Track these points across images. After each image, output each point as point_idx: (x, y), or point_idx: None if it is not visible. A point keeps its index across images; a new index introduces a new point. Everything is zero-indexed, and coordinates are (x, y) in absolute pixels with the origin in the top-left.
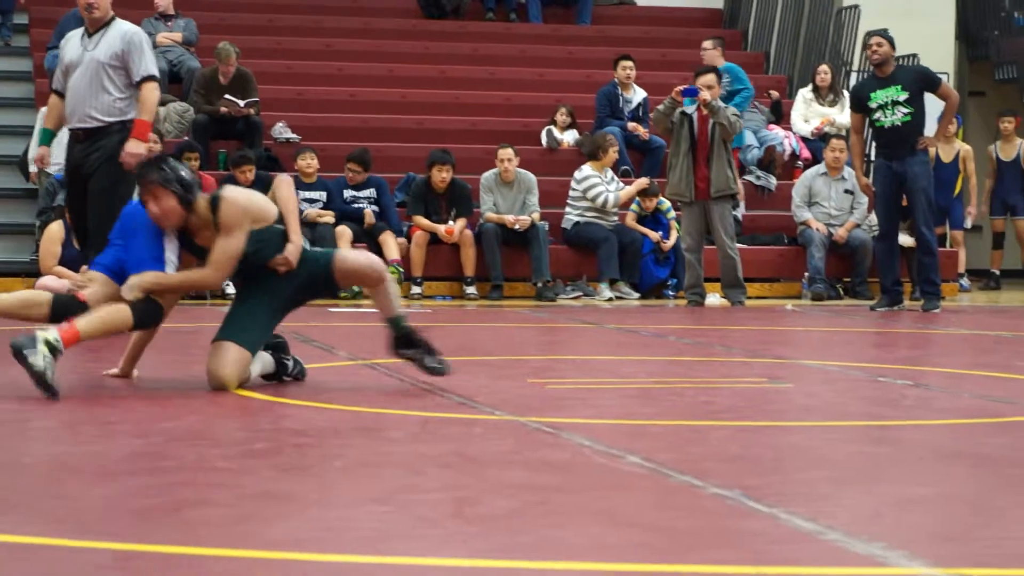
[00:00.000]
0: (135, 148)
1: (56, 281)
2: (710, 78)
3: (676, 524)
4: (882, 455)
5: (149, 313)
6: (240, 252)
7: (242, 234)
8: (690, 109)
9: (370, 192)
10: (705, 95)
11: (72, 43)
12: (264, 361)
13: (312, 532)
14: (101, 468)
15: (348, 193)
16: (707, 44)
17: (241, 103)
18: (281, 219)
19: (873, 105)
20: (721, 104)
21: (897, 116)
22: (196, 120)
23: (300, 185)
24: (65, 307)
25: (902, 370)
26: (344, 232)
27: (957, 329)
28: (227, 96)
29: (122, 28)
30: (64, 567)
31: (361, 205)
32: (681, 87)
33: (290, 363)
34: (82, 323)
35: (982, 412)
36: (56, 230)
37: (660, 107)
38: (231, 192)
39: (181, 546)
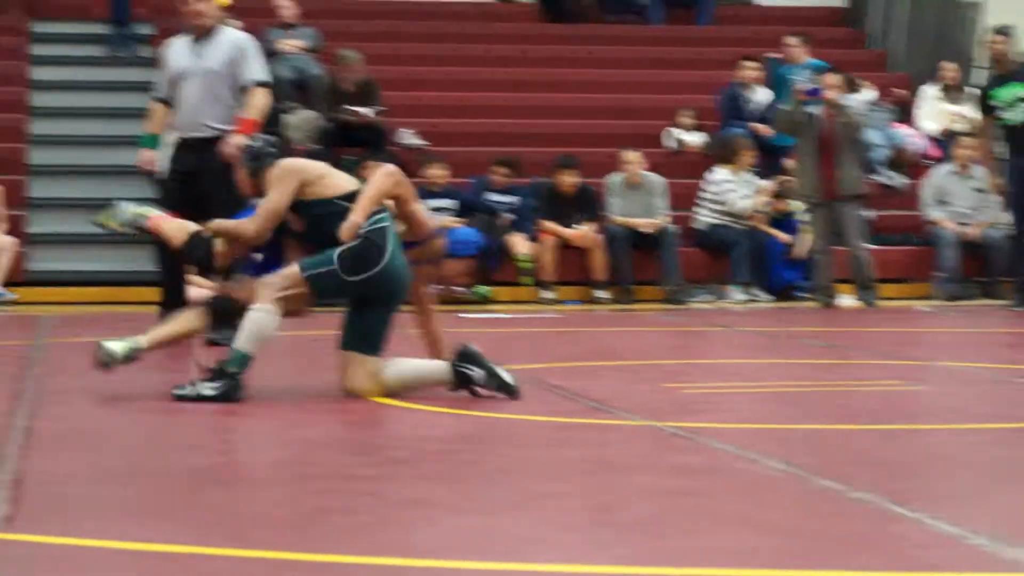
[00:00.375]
0: (238, 141)
1: (195, 290)
2: (833, 77)
3: (819, 529)
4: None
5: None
6: (280, 208)
7: (284, 190)
8: (815, 109)
9: (512, 200)
10: (829, 94)
11: (179, 51)
12: (427, 368)
13: (455, 539)
14: (245, 477)
15: (489, 196)
16: (792, 40)
17: (367, 112)
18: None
19: (998, 104)
20: (846, 103)
21: (1022, 113)
22: (322, 127)
23: (426, 194)
24: (224, 310)
25: None
26: None
27: None
28: (348, 108)
29: (231, 35)
30: None
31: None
32: (803, 87)
33: (475, 373)
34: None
35: None
36: None
37: (785, 107)
38: (286, 158)
39: (328, 554)
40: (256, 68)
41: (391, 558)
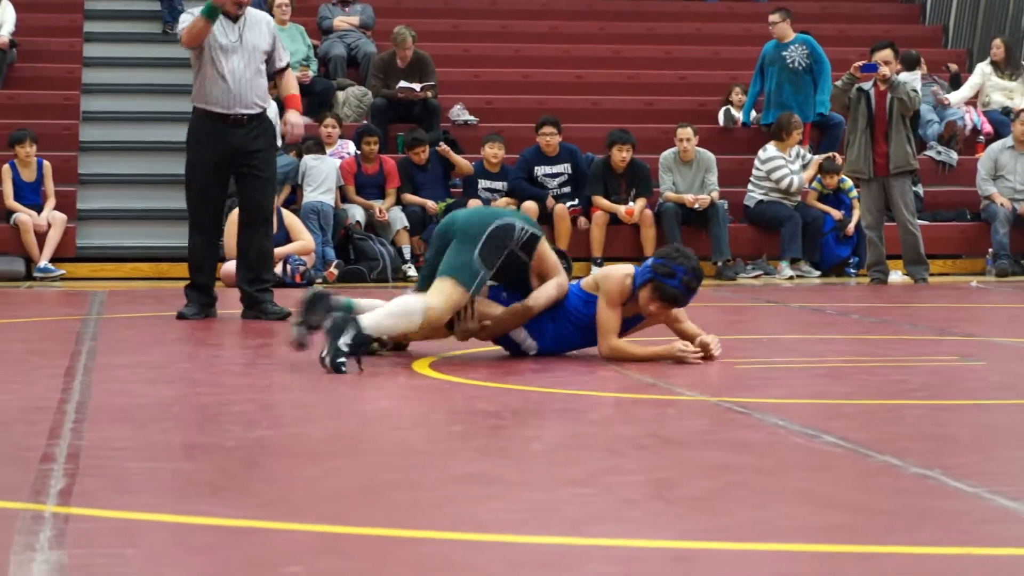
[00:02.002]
0: (299, 119)
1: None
2: (887, 53)
3: (878, 504)
4: None
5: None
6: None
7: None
8: (867, 85)
9: (565, 167)
10: (885, 70)
11: (218, 28)
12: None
13: (517, 514)
14: (303, 451)
15: (541, 171)
16: (774, 18)
17: (417, 87)
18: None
19: None
20: (900, 79)
21: None
22: (374, 104)
23: (482, 173)
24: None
25: None
26: (530, 207)
27: None
28: (403, 83)
29: (261, 15)
30: (275, 551)
31: (552, 186)
32: (860, 63)
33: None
34: None
35: None
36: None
37: (838, 83)
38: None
39: (389, 528)
40: (286, 51)
41: (454, 533)
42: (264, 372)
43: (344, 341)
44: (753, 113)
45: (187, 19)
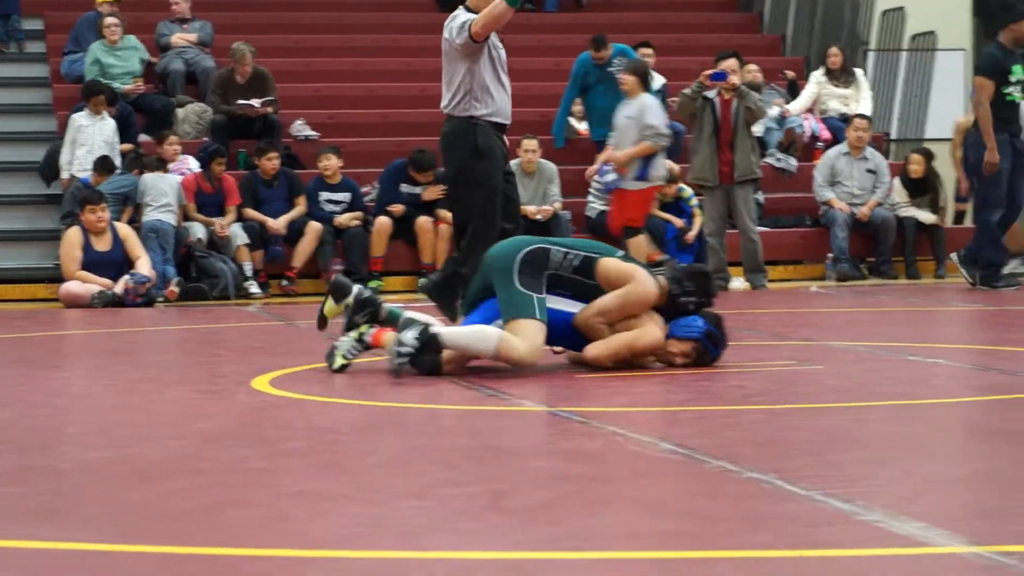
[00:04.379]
0: None
1: (80, 286)
2: (733, 62)
3: (713, 510)
4: (916, 434)
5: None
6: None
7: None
8: (712, 94)
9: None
10: (733, 79)
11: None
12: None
13: (351, 529)
14: (138, 472)
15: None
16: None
17: (257, 103)
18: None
19: (1012, 79)
20: (747, 88)
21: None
22: (214, 120)
23: (322, 186)
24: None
25: (932, 348)
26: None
27: (984, 305)
28: (241, 101)
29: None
30: (109, 573)
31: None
32: (709, 71)
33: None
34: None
35: (1013, 388)
36: (75, 235)
37: (686, 91)
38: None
39: (223, 547)
40: None
41: (287, 550)
42: (102, 394)
43: (412, 335)
44: (584, 125)
45: None
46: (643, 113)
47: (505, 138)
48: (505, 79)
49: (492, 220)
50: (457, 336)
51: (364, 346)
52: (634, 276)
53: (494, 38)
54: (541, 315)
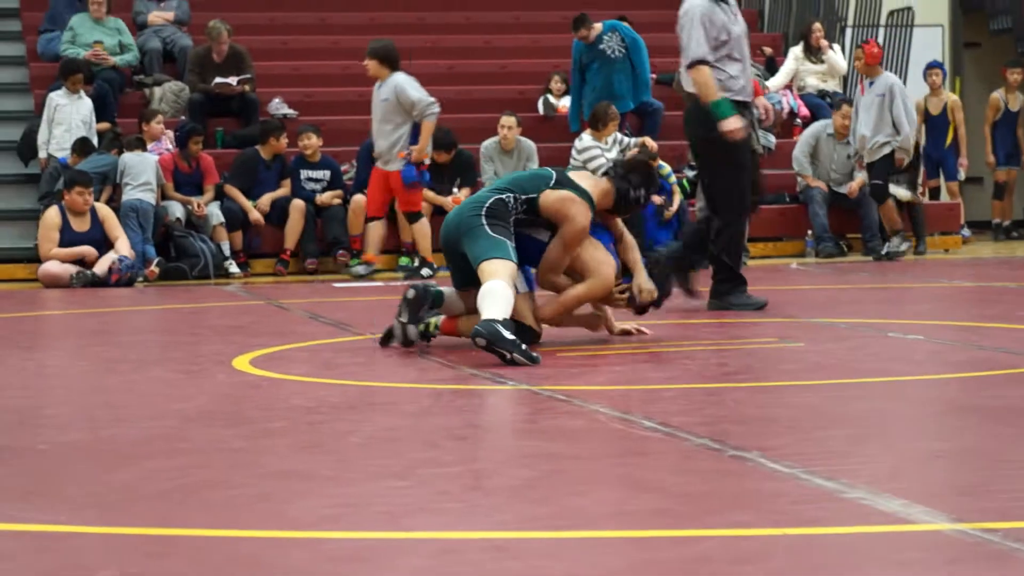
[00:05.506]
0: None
1: (59, 266)
2: None
3: (696, 488)
4: (898, 411)
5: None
6: None
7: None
8: None
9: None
10: None
11: (715, 10)
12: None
13: (333, 509)
14: (118, 453)
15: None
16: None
17: (234, 81)
18: None
19: None
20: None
21: None
22: (192, 99)
23: (303, 164)
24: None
25: (912, 325)
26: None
27: (963, 282)
28: (219, 79)
29: None
30: (88, 555)
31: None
32: None
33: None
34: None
35: (993, 364)
36: (53, 216)
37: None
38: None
39: (204, 528)
40: None
41: (269, 531)
42: (81, 375)
43: (509, 335)
44: (564, 101)
45: None
46: (402, 93)
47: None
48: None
49: (744, 195)
50: (500, 310)
51: (430, 337)
52: (566, 212)
53: (726, 22)
54: (513, 256)
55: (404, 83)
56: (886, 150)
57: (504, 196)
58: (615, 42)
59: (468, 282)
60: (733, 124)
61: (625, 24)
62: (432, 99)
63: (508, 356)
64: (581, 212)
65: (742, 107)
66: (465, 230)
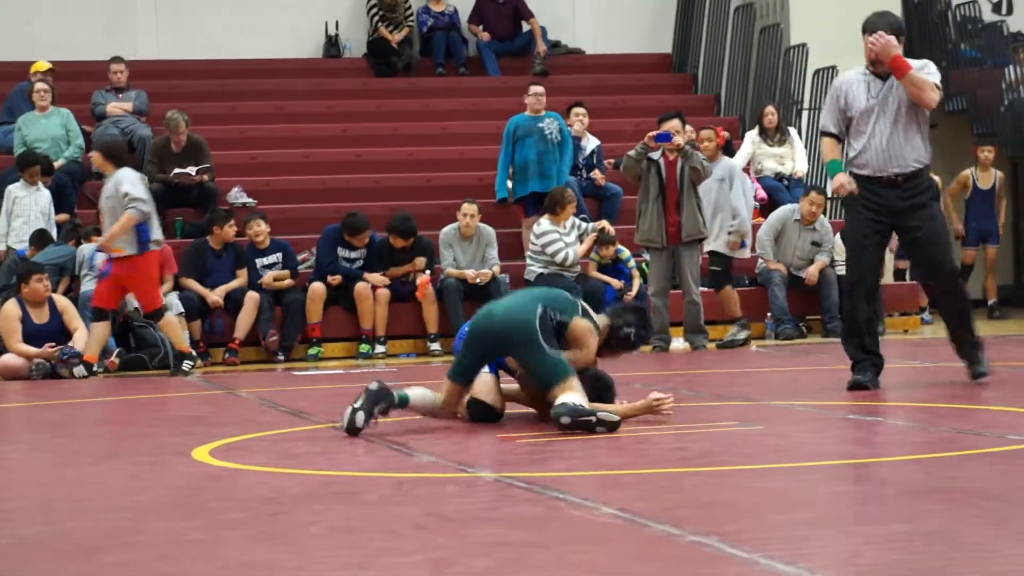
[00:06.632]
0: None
1: (17, 359)
2: (676, 123)
3: (655, 575)
4: (857, 494)
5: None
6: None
7: None
8: (657, 155)
9: (359, 255)
10: (679, 139)
11: (857, 90)
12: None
13: None
14: (77, 546)
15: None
16: (538, 89)
17: (193, 171)
18: None
19: None
20: (691, 149)
21: None
22: (151, 189)
23: (255, 252)
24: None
25: (871, 406)
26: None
27: (923, 362)
28: (177, 170)
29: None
30: None
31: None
32: (654, 133)
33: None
34: None
35: (953, 445)
36: (13, 308)
37: (631, 153)
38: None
39: None
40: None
41: None
42: (40, 468)
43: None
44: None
45: None
46: (119, 185)
47: (878, 189)
48: (878, 129)
49: (853, 268)
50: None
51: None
52: (586, 342)
53: (854, 98)
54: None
55: (125, 178)
56: (724, 236)
57: (548, 311)
58: (554, 127)
59: (475, 373)
60: (837, 181)
61: (560, 116)
62: (144, 197)
63: (594, 420)
64: (594, 344)
65: (867, 180)
66: (522, 339)
